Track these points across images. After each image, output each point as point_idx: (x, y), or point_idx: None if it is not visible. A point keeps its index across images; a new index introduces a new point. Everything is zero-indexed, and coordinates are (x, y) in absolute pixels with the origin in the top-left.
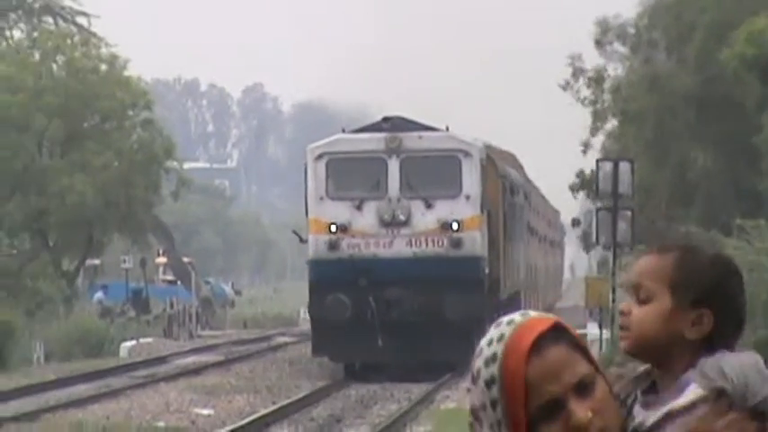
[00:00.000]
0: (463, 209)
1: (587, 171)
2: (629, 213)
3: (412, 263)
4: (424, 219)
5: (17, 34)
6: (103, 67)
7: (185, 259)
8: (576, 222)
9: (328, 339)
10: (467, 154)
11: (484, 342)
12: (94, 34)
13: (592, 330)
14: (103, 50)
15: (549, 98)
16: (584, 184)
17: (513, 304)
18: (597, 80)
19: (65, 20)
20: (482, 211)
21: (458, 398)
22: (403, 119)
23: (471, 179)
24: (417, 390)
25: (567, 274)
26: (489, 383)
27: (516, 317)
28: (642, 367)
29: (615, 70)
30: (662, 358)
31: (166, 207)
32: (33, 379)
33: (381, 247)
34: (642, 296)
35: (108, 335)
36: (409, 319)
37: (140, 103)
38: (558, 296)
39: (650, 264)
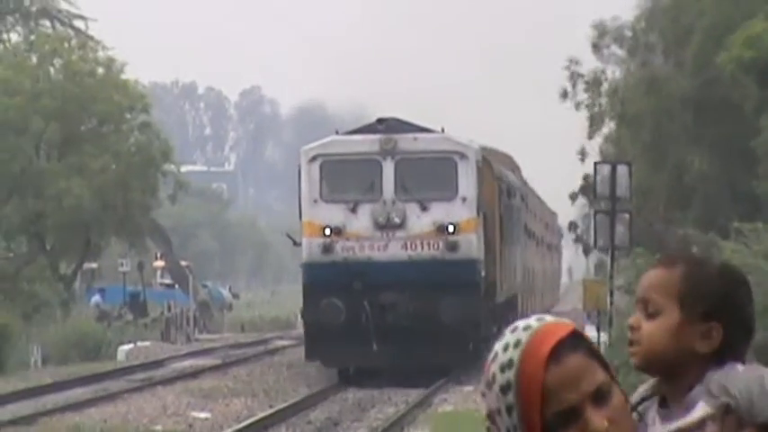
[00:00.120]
0: (459, 211)
1: (588, 175)
2: (626, 216)
3: (407, 266)
4: (420, 221)
5: (14, 37)
6: (101, 70)
7: (183, 263)
8: (572, 226)
9: (322, 344)
10: (462, 156)
11: (499, 347)
12: (92, 37)
13: (590, 333)
14: (100, 54)
15: (546, 101)
16: (587, 188)
17: (509, 308)
18: (594, 83)
19: (62, 23)
20: (478, 213)
21: (455, 401)
22: (398, 120)
23: (467, 181)
24: (415, 393)
25: (564, 278)
26: (505, 389)
27: (533, 322)
28: (652, 380)
29: (613, 73)
30: (672, 372)
31: (164, 210)
32: (30, 382)
33: (376, 250)
34: (651, 310)
35: (105, 338)
36: (404, 324)
37: (138, 106)
38: (556, 299)
39: (657, 277)
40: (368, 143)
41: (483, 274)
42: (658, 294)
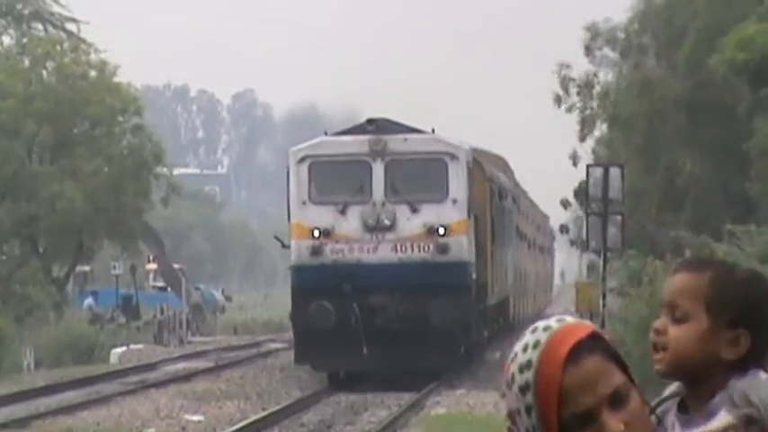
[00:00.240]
0: (450, 213)
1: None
2: (619, 218)
3: (397, 269)
4: (410, 223)
5: (6, 40)
6: (93, 73)
7: (175, 265)
8: (564, 229)
9: (311, 348)
10: (453, 157)
11: (519, 347)
12: (84, 40)
13: None
14: (93, 56)
15: (538, 103)
16: (580, 193)
17: (501, 310)
18: (586, 86)
19: (54, 26)
20: (469, 215)
21: (448, 404)
22: (388, 121)
23: (458, 183)
24: (407, 396)
25: (557, 280)
26: (524, 389)
27: (553, 323)
28: (673, 385)
29: (606, 75)
30: (696, 378)
31: (156, 213)
32: (23, 385)
33: (366, 252)
34: (678, 315)
35: (98, 341)
36: (394, 327)
37: (130, 109)
38: (549, 301)
39: (685, 282)
40: (357, 144)
41: (474, 276)
42: (686, 299)
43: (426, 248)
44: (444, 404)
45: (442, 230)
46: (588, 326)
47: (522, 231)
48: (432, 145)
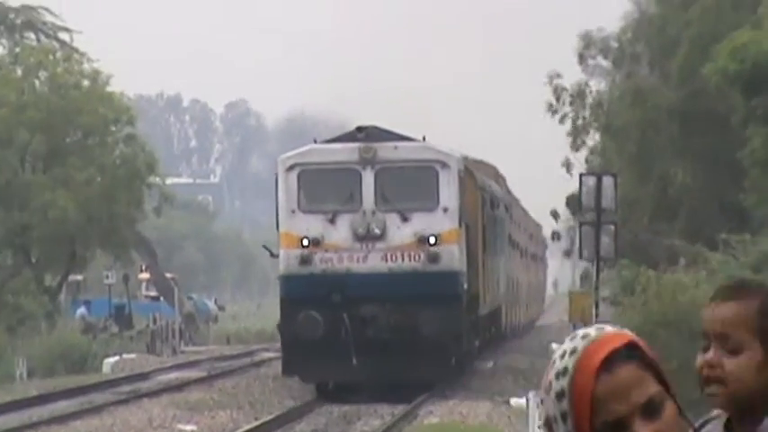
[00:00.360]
0: (440, 222)
1: (573, 191)
2: (612, 227)
3: (387, 278)
4: (400, 232)
5: None
6: (86, 82)
7: (168, 275)
8: (555, 236)
9: (300, 358)
10: (444, 165)
11: (557, 354)
12: (77, 50)
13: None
14: (86, 66)
15: (532, 112)
16: (573, 203)
17: (493, 320)
18: (579, 95)
19: (47, 36)
20: (460, 224)
21: (441, 413)
22: (378, 128)
23: (449, 191)
24: (400, 405)
25: (550, 290)
26: (560, 396)
27: (591, 331)
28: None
29: (598, 84)
30: (751, 408)
31: (149, 222)
32: (16, 395)
33: (355, 261)
34: (731, 347)
35: (91, 351)
36: (384, 337)
37: (123, 118)
38: (541, 311)
39: (733, 311)
40: (347, 152)
41: (465, 286)
42: (737, 330)
43: (417, 258)
44: (437, 413)
45: (432, 240)
46: (627, 335)
47: (514, 240)
48: (422, 153)
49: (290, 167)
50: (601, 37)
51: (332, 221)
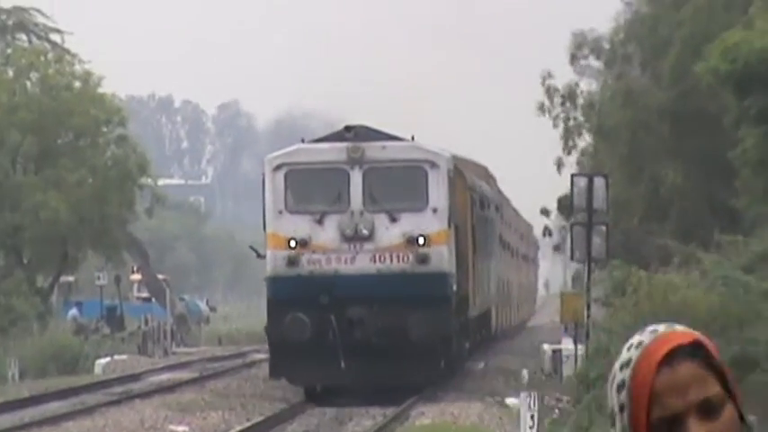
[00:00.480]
0: (429, 223)
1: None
2: (603, 228)
3: (375, 280)
4: (389, 233)
5: None
6: (77, 83)
7: (160, 276)
8: (546, 231)
9: (287, 361)
10: (433, 165)
11: (625, 347)
12: (68, 51)
13: (567, 345)
14: (77, 67)
15: (522, 112)
16: (563, 205)
17: (483, 322)
18: (570, 96)
19: (38, 37)
20: (449, 224)
21: (432, 414)
22: (366, 128)
23: (438, 191)
24: (391, 407)
25: (541, 291)
26: (620, 387)
27: (660, 327)
28: None
29: (589, 86)
30: None
31: (141, 224)
32: (8, 396)
33: (343, 263)
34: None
35: (82, 352)
36: (373, 340)
37: (114, 119)
38: (532, 312)
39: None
40: (335, 152)
41: (454, 287)
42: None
43: (405, 259)
44: (429, 414)
45: (421, 240)
46: (694, 334)
47: (505, 241)
48: (411, 152)
49: (277, 167)
50: (593, 37)
51: (319, 222)
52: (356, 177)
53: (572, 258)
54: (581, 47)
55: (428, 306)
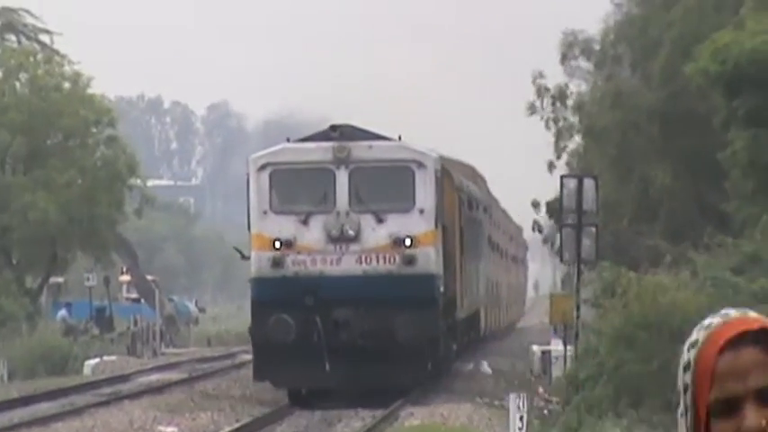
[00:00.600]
0: (416, 223)
1: (553, 193)
2: (593, 230)
3: (361, 281)
4: (375, 234)
5: None
6: (67, 84)
7: (149, 277)
8: (536, 225)
9: (271, 363)
10: (420, 165)
11: (696, 328)
12: (57, 52)
13: (556, 347)
14: (66, 68)
15: (513, 113)
16: (551, 210)
17: (472, 324)
18: (560, 97)
19: (28, 38)
20: (437, 225)
21: (421, 415)
22: (352, 127)
23: (425, 192)
24: (379, 410)
25: (531, 292)
26: (686, 368)
27: (732, 311)
28: None
29: (578, 87)
30: None
31: (130, 225)
32: None
33: (329, 264)
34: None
35: (72, 353)
36: (358, 342)
37: (104, 120)
38: (522, 313)
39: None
40: (320, 151)
41: (441, 289)
42: None
43: (392, 260)
44: (418, 415)
45: (408, 241)
46: (764, 321)
47: (494, 242)
48: (398, 152)
49: (262, 167)
50: (583, 38)
51: (305, 223)
52: (342, 177)
53: (561, 260)
54: (572, 46)
55: (415, 308)
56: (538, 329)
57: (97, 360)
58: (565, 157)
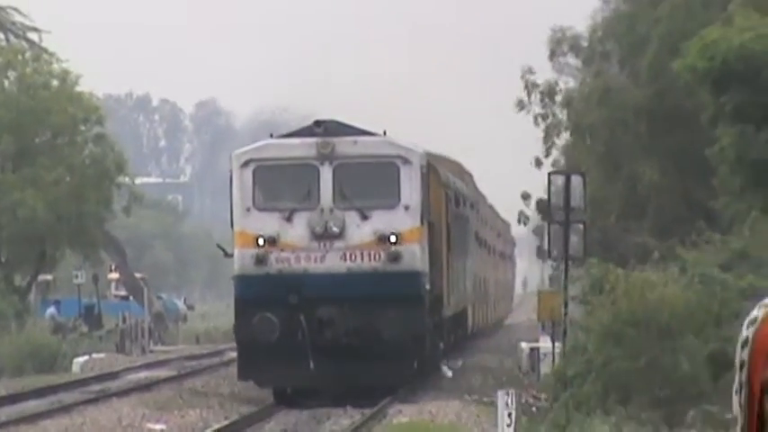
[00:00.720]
0: (402, 220)
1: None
2: (580, 227)
3: (346, 279)
4: (360, 231)
5: None
6: (55, 82)
7: (138, 275)
8: (522, 218)
9: (255, 362)
10: (406, 161)
11: (756, 306)
12: (46, 50)
13: (544, 343)
14: (55, 66)
15: (501, 109)
16: (540, 208)
17: (459, 322)
18: (549, 94)
19: (16, 36)
20: (422, 222)
21: (410, 413)
22: (337, 122)
23: (411, 188)
24: (367, 408)
25: (519, 289)
26: (743, 344)
27: None
28: None
29: (566, 84)
30: None
31: (118, 222)
32: None
33: (313, 261)
34: None
35: (60, 350)
36: (343, 340)
37: (92, 118)
38: (510, 310)
39: None
40: (304, 147)
41: (427, 286)
42: None
43: (377, 257)
44: (407, 413)
45: (393, 238)
46: None
47: (481, 238)
48: (383, 148)
49: (245, 163)
50: (571, 35)
51: (288, 220)
52: (326, 173)
53: (549, 257)
54: (560, 43)
55: (400, 305)
56: (526, 326)
57: (86, 358)
58: (554, 153)
